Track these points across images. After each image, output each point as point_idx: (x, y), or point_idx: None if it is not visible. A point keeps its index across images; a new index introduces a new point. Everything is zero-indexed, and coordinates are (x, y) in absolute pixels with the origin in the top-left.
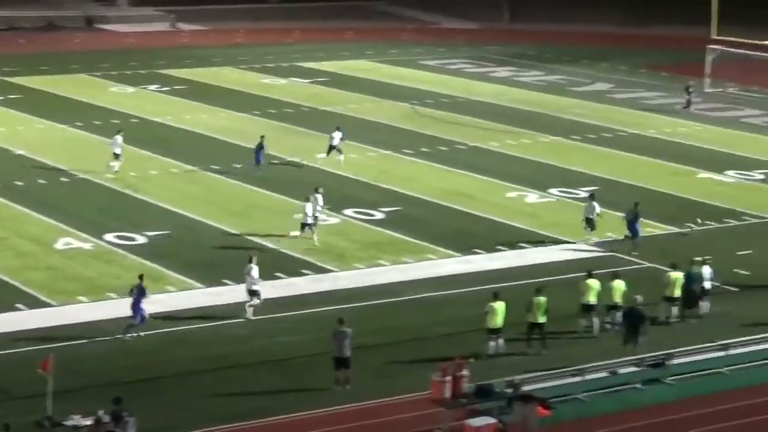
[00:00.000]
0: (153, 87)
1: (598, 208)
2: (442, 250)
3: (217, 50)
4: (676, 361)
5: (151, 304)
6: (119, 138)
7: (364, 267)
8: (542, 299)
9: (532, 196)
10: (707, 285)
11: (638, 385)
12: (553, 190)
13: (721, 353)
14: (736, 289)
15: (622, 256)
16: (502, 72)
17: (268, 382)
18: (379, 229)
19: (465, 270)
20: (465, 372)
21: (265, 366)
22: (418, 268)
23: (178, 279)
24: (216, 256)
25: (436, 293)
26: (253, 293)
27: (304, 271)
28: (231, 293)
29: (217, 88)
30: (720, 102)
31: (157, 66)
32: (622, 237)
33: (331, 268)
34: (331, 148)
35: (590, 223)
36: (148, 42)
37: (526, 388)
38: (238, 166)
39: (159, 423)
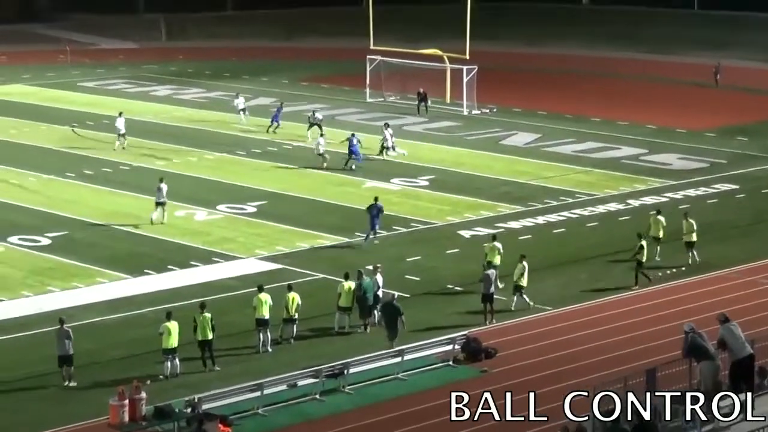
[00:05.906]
0: None
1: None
2: (112, 272)
3: None
4: (353, 370)
5: None
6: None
7: (33, 294)
8: (207, 316)
9: (201, 214)
10: (380, 293)
11: (317, 396)
12: (222, 207)
13: (397, 359)
14: (408, 295)
15: (292, 268)
16: (163, 90)
17: None
18: (47, 255)
19: (137, 292)
20: (142, 394)
21: None
22: (89, 292)
23: None
24: None
25: (108, 317)
26: None
27: None
28: None
29: None
30: (382, 112)
31: None
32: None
33: None
34: None
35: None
36: None
37: (205, 406)
38: None
39: None
